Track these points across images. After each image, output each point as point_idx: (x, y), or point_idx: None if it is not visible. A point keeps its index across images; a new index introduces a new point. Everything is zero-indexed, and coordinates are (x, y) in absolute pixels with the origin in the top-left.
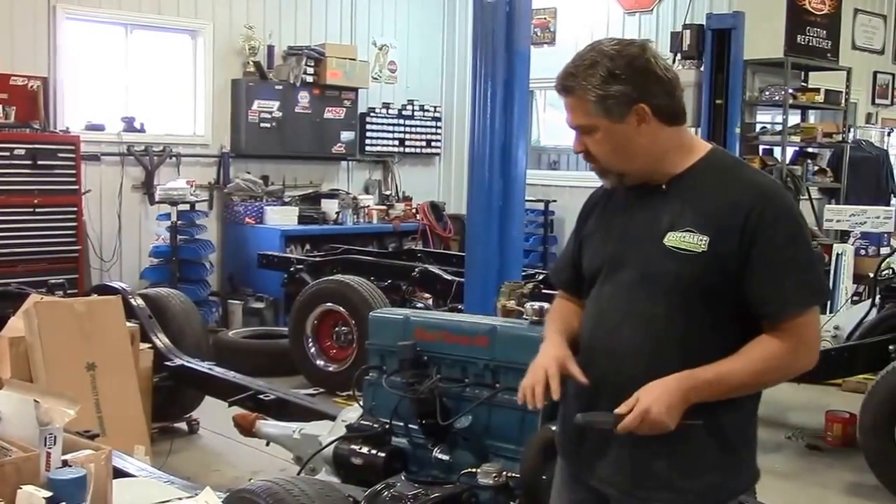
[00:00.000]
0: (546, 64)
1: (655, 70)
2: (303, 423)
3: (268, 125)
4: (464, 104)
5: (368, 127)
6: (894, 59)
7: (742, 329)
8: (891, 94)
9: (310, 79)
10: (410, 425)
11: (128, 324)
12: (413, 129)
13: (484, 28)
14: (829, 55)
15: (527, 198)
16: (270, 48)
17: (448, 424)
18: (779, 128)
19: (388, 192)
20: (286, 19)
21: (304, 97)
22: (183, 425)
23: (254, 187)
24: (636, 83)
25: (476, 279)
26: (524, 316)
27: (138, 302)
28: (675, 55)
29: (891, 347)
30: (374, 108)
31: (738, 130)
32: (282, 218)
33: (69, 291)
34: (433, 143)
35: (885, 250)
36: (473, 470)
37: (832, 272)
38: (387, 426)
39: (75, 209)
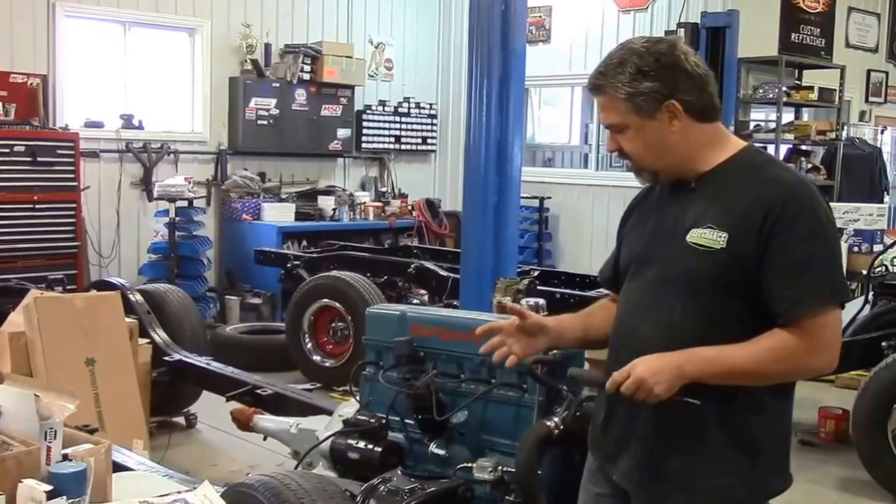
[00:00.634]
0: (541, 62)
1: (685, 66)
2: (300, 418)
3: (265, 122)
4: (459, 102)
5: (365, 124)
6: (888, 58)
7: (762, 327)
8: (884, 92)
9: (307, 76)
10: (407, 420)
11: (126, 319)
12: (409, 127)
13: (479, 26)
14: (822, 53)
15: (522, 195)
16: (267, 46)
17: (444, 419)
18: (773, 125)
19: (384, 189)
20: (283, 17)
21: (300, 95)
22: (181, 420)
23: (251, 184)
24: (665, 80)
25: (471, 275)
26: None
27: (137, 297)
28: None
29: (883, 344)
30: (370, 106)
31: (731, 128)
32: (279, 214)
33: (68, 287)
34: (429, 141)
35: (878, 247)
36: (469, 465)
37: None
38: (383, 421)
39: (74, 205)
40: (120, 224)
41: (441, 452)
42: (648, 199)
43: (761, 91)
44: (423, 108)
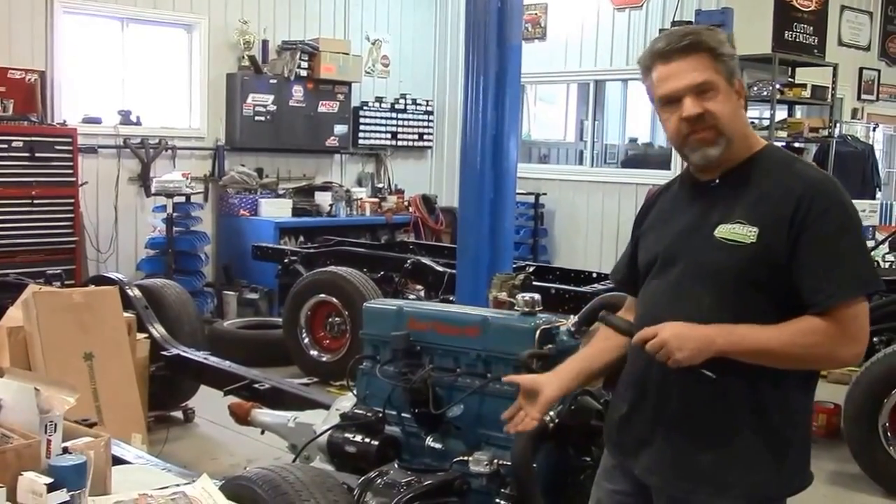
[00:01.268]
0: (537, 59)
1: None
2: (297, 412)
3: (262, 118)
4: (456, 98)
5: (361, 120)
6: (880, 56)
7: (786, 321)
8: (876, 90)
9: (304, 73)
10: (403, 414)
11: (124, 314)
12: (405, 123)
13: (476, 23)
14: (815, 51)
15: (517, 191)
16: (265, 43)
17: (440, 413)
18: (766, 123)
19: (380, 185)
20: (280, 14)
21: (298, 91)
22: (179, 414)
23: (248, 180)
24: (735, 59)
25: (467, 270)
26: (515, 307)
27: (135, 292)
28: None
29: (874, 339)
30: (367, 102)
31: None
32: (276, 210)
33: (66, 282)
34: (425, 137)
35: (870, 243)
36: (465, 458)
37: None
38: (380, 415)
39: (72, 201)
40: (118, 219)
41: (437, 446)
42: (665, 200)
43: (755, 88)
44: (420, 105)
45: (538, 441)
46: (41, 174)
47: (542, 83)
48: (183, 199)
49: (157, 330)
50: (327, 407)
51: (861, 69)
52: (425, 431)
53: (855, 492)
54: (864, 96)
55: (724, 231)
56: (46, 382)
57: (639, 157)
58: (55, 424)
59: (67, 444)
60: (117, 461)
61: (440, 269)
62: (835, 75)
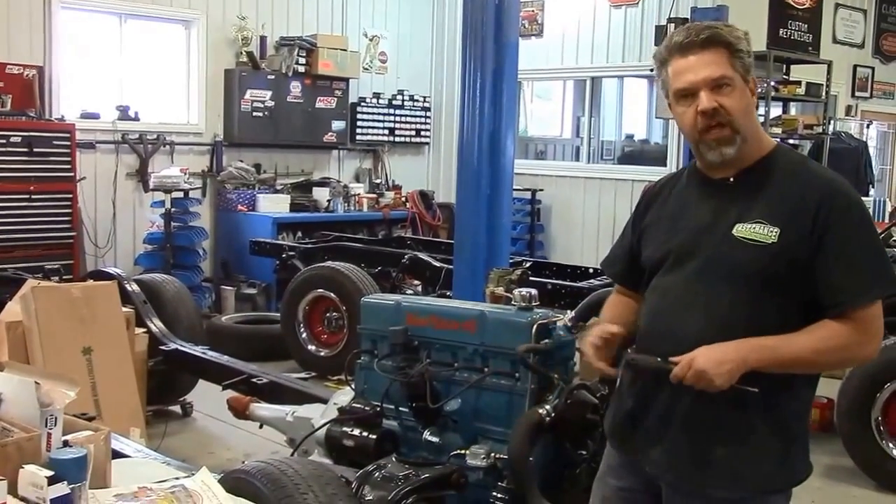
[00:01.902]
0: (534, 55)
1: None
2: (295, 406)
3: (260, 114)
4: (453, 94)
5: (359, 116)
6: (874, 53)
7: (807, 320)
8: (870, 87)
9: (301, 69)
10: (401, 408)
11: (123, 309)
12: (403, 119)
13: (473, 19)
14: (810, 48)
15: (514, 187)
16: (263, 38)
17: (438, 407)
18: (761, 119)
19: (378, 181)
20: (278, 10)
21: (295, 87)
22: (177, 408)
23: (246, 175)
24: (751, 56)
25: (464, 266)
26: (512, 302)
27: (133, 287)
28: None
29: None
30: (364, 98)
31: None
32: (274, 205)
33: (65, 277)
34: (423, 133)
35: None
36: (463, 451)
37: None
38: (378, 409)
39: (70, 196)
40: (116, 214)
41: (435, 439)
42: (670, 195)
43: None
44: (417, 101)
45: (535, 435)
46: (39, 169)
47: (538, 80)
48: (181, 194)
49: (156, 325)
50: (325, 401)
51: (855, 66)
52: (423, 425)
53: (848, 485)
54: (858, 93)
55: (743, 230)
56: (47, 376)
57: (635, 154)
58: (56, 418)
59: (68, 437)
60: (117, 455)
61: (437, 264)
62: (829, 72)
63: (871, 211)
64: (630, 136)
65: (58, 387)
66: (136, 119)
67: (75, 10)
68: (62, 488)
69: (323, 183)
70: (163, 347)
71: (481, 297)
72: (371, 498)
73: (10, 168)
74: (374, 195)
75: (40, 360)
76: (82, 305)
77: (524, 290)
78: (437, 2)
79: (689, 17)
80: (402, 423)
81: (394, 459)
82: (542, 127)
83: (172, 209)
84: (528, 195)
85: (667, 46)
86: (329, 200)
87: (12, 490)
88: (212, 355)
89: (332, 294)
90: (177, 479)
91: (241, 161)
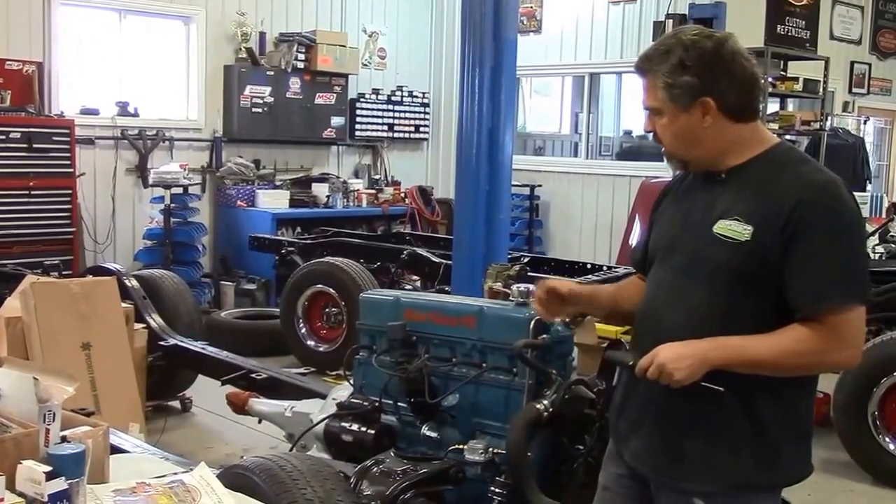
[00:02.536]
0: (533, 52)
1: (729, 66)
2: (294, 402)
3: (259, 110)
4: (452, 90)
5: (358, 112)
6: (871, 49)
7: (782, 321)
8: (867, 84)
9: (301, 65)
10: (399, 403)
11: (122, 304)
12: (402, 115)
13: (472, 16)
14: (807, 45)
15: (513, 183)
16: (262, 35)
17: (436, 402)
18: None
19: (377, 177)
20: (278, 6)
21: (295, 83)
22: (176, 404)
23: (246, 171)
24: (704, 76)
25: (463, 261)
26: (510, 297)
27: (133, 283)
28: None
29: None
30: (363, 94)
31: None
32: (273, 201)
33: (64, 273)
34: (421, 129)
35: None
36: (461, 446)
37: None
38: (376, 404)
39: (70, 192)
40: (115, 210)
41: (433, 434)
42: (682, 185)
43: None
44: (416, 97)
45: (532, 430)
46: (39, 165)
47: (537, 76)
48: (180, 190)
49: (155, 320)
50: (324, 396)
51: (852, 63)
52: (421, 420)
53: (844, 479)
54: (855, 90)
55: (721, 227)
56: (45, 372)
57: (633, 150)
58: (54, 413)
59: (66, 432)
60: (115, 450)
61: (436, 259)
62: (826, 69)
63: (867, 207)
64: (628, 132)
65: (56, 382)
66: (136, 115)
67: (75, 5)
68: (60, 483)
69: (322, 179)
70: (162, 343)
71: (480, 293)
72: (369, 493)
73: (10, 164)
74: (374, 191)
75: (39, 355)
76: (81, 301)
77: (522, 286)
78: None
79: (686, 13)
80: (401, 419)
81: (392, 454)
82: (541, 123)
83: (172, 205)
84: (526, 191)
85: None
86: (328, 196)
87: (10, 485)
88: (211, 351)
89: (331, 289)
90: (175, 474)
91: (241, 157)
